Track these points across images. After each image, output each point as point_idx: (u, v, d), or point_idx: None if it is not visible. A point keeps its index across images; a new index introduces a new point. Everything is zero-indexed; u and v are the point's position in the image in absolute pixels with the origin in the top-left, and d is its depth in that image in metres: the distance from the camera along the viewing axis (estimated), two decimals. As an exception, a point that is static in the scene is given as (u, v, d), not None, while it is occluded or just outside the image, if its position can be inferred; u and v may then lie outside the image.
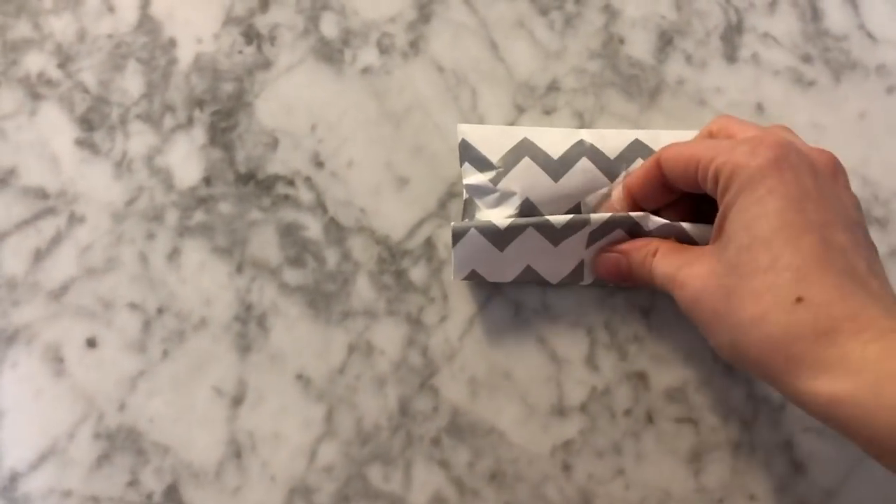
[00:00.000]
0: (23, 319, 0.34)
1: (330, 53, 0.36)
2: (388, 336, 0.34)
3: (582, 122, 0.36)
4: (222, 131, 0.35)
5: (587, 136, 0.33)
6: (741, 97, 0.36)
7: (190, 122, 0.35)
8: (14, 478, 0.33)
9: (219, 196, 0.35)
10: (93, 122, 0.36)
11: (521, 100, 0.36)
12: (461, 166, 0.33)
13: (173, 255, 0.35)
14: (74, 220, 0.35)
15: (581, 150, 0.33)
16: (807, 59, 0.36)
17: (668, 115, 0.36)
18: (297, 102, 0.36)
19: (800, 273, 0.25)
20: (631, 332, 0.34)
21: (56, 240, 0.35)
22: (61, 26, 0.36)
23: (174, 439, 0.33)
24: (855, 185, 0.35)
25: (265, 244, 0.35)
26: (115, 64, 0.36)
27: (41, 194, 0.35)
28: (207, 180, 0.35)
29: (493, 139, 0.33)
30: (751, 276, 0.26)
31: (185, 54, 0.36)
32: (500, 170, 0.32)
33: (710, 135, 0.31)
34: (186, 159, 0.35)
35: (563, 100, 0.35)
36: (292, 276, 0.35)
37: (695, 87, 0.36)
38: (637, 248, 0.32)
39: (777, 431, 0.34)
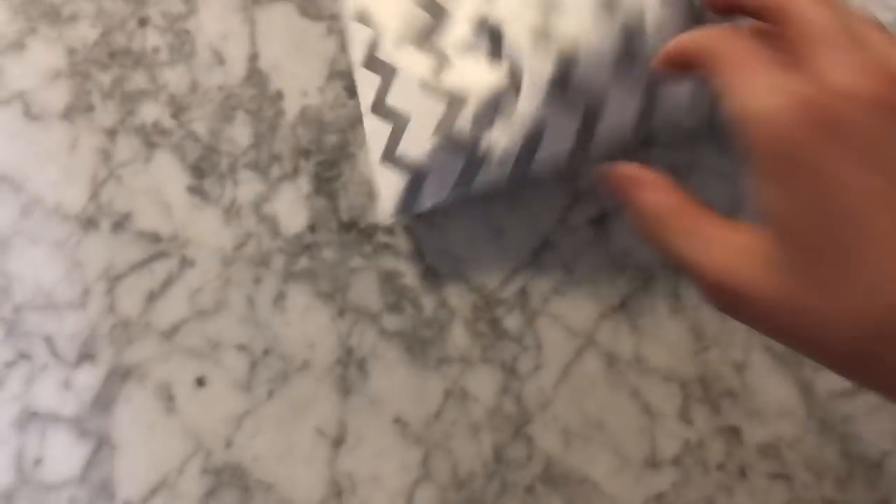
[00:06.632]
0: (136, 358, 0.36)
1: (429, 106, 0.37)
2: (483, 383, 0.35)
3: None
4: (326, 181, 0.37)
5: None
6: None
7: (296, 171, 0.37)
8: (127, 509, 0.35)
9: (322, 243, 0.36)
10: (204, 170, 0.37)
11: None
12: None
13: (279, 298, 0.36)
14: (185, 263, 0.37)
15: None
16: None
17: None
18: (397, 153, 0.37)
19: None
20: (724, 387, 0.35)
21: (168, 282, 0.37)
22: (175, 78, 0.38)
23: (278, 477, 0.35)
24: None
25: (366, 290, 0.36)
26: (225, 115, 0.38)
27: (155, 238, 0.37)
28: (312, 228, 0.37)
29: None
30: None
31: (292, 106, 0.38)
32: None
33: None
34: (292, 207, 0.37)
35: None
36: (391, 321, 0.36)
37: None
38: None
39: (873, 490, 0.34)
